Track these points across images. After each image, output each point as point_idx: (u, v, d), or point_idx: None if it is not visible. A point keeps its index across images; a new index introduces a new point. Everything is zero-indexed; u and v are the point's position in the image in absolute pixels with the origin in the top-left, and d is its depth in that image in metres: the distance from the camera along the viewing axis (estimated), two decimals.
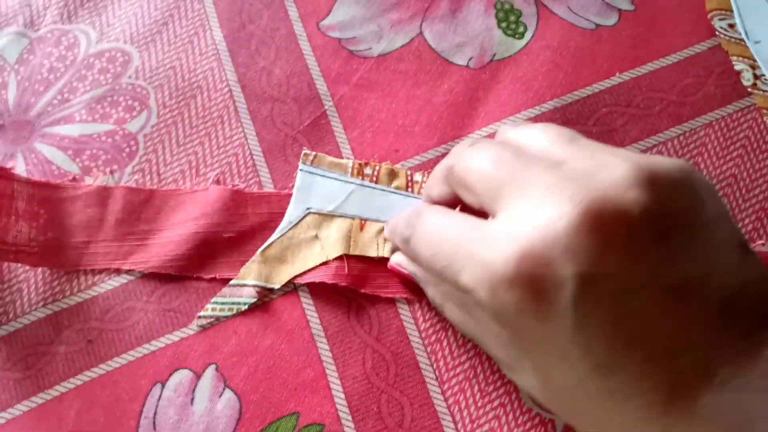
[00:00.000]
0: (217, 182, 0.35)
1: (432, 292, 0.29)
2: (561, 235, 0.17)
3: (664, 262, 0.17)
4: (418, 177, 0.34)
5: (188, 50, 0.37)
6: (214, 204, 0.34)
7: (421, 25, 0.38)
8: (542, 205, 0.18)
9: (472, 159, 0.22)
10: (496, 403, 0.31)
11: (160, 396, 0.31)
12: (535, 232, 0.17)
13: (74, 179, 0.35)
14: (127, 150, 0.36)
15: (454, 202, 0.25)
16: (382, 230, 0.33)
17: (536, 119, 0.36)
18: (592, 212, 0.17)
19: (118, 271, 0.33)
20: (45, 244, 0.34)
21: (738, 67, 0.37)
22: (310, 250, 0.33)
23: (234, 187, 0.35)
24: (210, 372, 0.31)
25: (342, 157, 0.35)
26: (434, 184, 0.25)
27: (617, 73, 0.37)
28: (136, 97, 0.36)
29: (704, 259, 0.17)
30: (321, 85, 0.37)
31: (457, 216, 0.22)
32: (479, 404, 0.31)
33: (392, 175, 0.34)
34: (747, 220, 0.34)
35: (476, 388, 0.31)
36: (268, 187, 0.35)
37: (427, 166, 0.35)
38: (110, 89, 0.37)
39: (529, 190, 0.19)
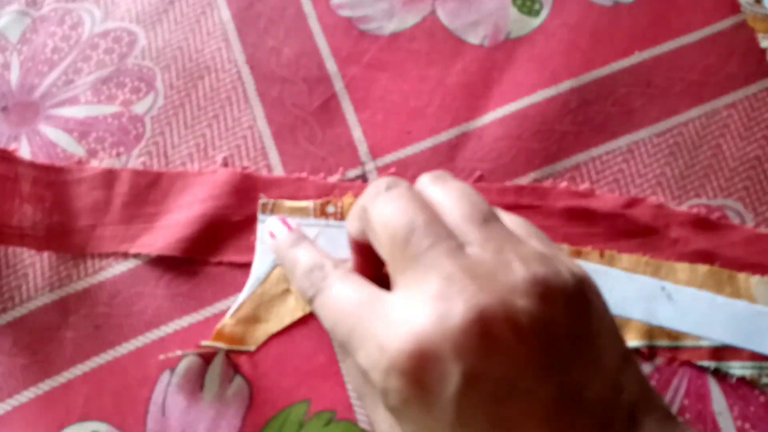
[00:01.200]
0: (225, 165, 0.34)
1: None
2: (453, 332, 0.17)
3: (547, 371, 0.17)
4: None
5: (195, 30, 0.36)
6: (223, 186, 0.33)
7: (433, 2, 0.37)
8: (440, 296, 0.18)
9: (384, 209, 0.21)
10: None
11: (169, 382, 0.31)
12: (429, 325, 0.18)
13: (80, 162, 0.34)
14: (134, 132, 0.35)
15: (364, 240, 0.23)
16: None
17: (552, 99, 0.35)
18: (484, 316, 0.17)
19: (125, 255, 0.33)
20: (50, 227, 0.33)
21: (764, 44, 0.36)
22: (284, 305, 0.32)
23: (243, 170, 0.34)
24: (220, 358, 0.31)
25: (353, 140, 0.34)
26: (352, 218, 0.24)
27: (636, 52, 0.36)
28: (142, 78, 0.36)
29: (586, 369, 0.18)
30: (331, 66, 0.36)
31: (360, 285, 0.21)
32: None
33: None
34: None
35: None
36: (278, 170, 0.34)
37: (440, 149, 0.34)
38: (116, 70, 0.36)
39: (430, 274, 0.19)
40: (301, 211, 0.33)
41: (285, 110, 0.35)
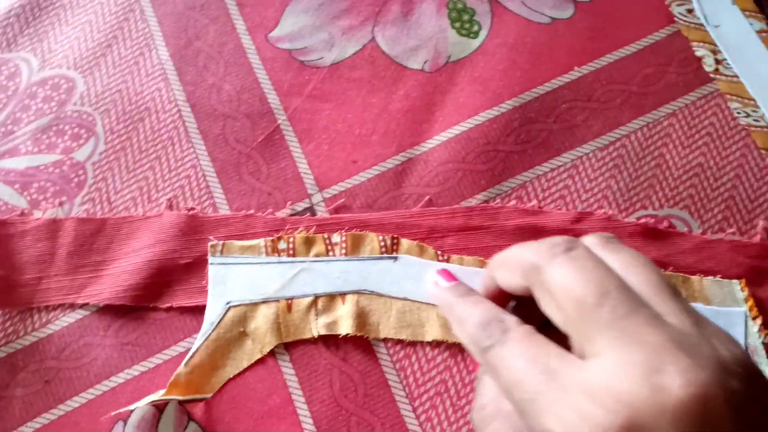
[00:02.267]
0: (170, 207, 0.34)
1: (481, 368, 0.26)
2: (672, 407, 0.17)
3: None
4: (336, 238, 0.32)
5: (134, 72, 0.36)
6: (169, 230, 0.33)
7: (372, 30, 0.37)
8: (651, 368, 0.17)
9: (569, 275, 0.20)
10: (469, 416, 0.30)
11: None
12: (643, 398, 0.17)
13: (22, 213, 0.34)
14: (76, 180, 0.34)
15: (517, 292, 0.23)
16: (311, 305, 0.31)
17: (495, 120, 0.35)
18: (706, 393, 0.17)
19: (72, 307, 0.32)
20: None
21: (699, 53, 0.36)
22: (240, 349, 0.31)
23: (189, 211, 0.33)
24: (172, 405, 0.30)
25: (299, 172, 0.34)
26: (505, 270, 0.23)
27: (576, 67, 0.36)
28: (82, 124, 0.35)
29: None
30: (273, 99, 0.35)
31: (548, 345, 0.20)
32: (452, 419, 0.30)
33: (309, 243, 0.32)
34: (716, 210, 0.33)
35: (448, 402, 0.30)
36: (224, 208, 0.34)
37: (387, 176, 0.34)
38: (55, 118, 0.35)
39: (632, 342, 0.18)
40: (252, 250, 0.32)
41: (228, 147, 0.35)
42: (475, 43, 0.37)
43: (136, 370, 0.31)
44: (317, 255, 0.32)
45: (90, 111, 0.35)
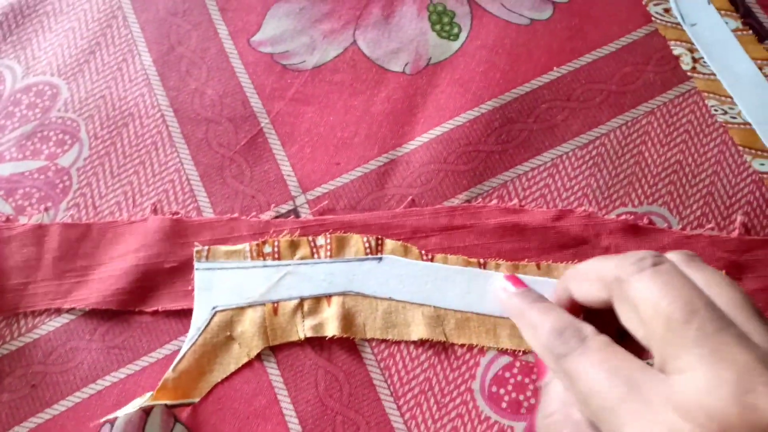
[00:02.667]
0: (155, 211, 0.34)
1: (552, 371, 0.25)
2: (763, 426, 0.17)
3: None
4: (321, 240, 0.33)
5: (117, 77, 0.36)
6: (154, 234, 0.33)
7: (354, 33, 0.37)
8: (742, 387, 0.18)
9: (656, 289, 0.20)
10: (453, 414, 0.30)
11: None
12: (734, 416, 0.17)
13: (7, 219, 0.34)
14: (61, 186, 0.34)
15: (594, 305, 0.23)
16: (297, 308, 0.32)
17: (476, 120, 0.35)
18: None
19: (58, 311, 0.32)
20: None
21: (676, 51, 0.37)
22: (227, 353, 0.31)
23: (173, 215, 0.34)
24: (158, 408, 0.31)
25: (282, 175, 0.34)
26: (583, 282, 0.23)
27: (555, 67, 0.36)
28: (66, 130, 0.35)
29: None
30: (256, 103, 0.36)
31: (628, 357, 0.21)
32: (436, 417, 0.30)
33: (294, 246, 0.33)
34: (695, 206, 0.34)
35: (432, 400, 0.31)
36: (207, 212, 0.34)
37: (370, 178, 0.34)
38: (39, 124, 0.36)
39: (722, 360, 0.18)
40: (237, 254, 0.33)
41: (211, 151, 0.35)
42: (456, 45, 0.37)
43: (122, 372, 0.31)
44: (302, 258, 0.33)
45: (74, 117, 0.36)
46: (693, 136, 0.35)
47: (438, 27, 0.37)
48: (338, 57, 0.37)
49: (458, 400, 0.31)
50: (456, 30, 0.37)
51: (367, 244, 0.33)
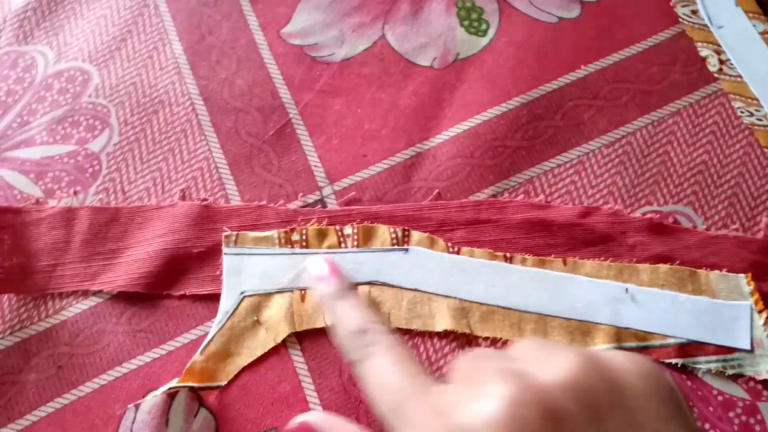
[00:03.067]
0: (183, 197, 0.34)
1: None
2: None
3: None
4: (348, 230, 0.33)
5: (148, 65, 0.37)
6: (182, 219, 0.33)
7: (383, 27, 0.38)
8: (485, 390, 0.18)
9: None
10: None
11: (134, 419, 0.30)
12: (471, 418, 0.18)
13: (37, 202, 0.34)
14: (90, 170, 0.35)
15: None
16: None
17: (503, 116, 0.35)
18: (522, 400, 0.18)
19: (86, 294, 0.33)
20: (10, 270, 0.33)
21: (703, 53, 0.37)
22: (254, 338, 0.32)
23: (202, 201, 0.34)
24: (183, 392, 0.31)
25: (310, 165, 0.35)
26: None
27: (582, 66, 0.36)
28: (96, 116, 0.36)
29: None
30: (284, 94, 0.36)
31: (407, 363, 0.21)
32: None
33: (322, 235, 0.33)
34: (720, 206, 0.34)
35: None
36: (235, 200, 0.34)
37: (396, 170, 0.35)
38: (70, 109, 0.36)
39: (482, 376, 0.19)
40: (266, 241, 0.33)
41: (240, 140, 0.35)
42: (484, 41, 0.37)
43: (148, 356, 0.32)
44: (330, 247, 0.33)
45: (105, 103, 0.36)
46: (719, 137, 0.35)
47: (466, 23, 0.37)
48: (367, 50, 0.37)
49: None
50: (484, 26, 0.37)
51: (393, 235, 0.33)
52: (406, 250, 0.33)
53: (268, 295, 0.32)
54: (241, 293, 0.32)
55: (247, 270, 0.32)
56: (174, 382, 0.30)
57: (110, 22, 0.38)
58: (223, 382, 0.31)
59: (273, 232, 0.33)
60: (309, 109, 0.36)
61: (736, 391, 0.30)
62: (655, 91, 0.36)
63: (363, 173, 0.35)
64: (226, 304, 0.32)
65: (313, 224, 0.33)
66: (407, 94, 0.36)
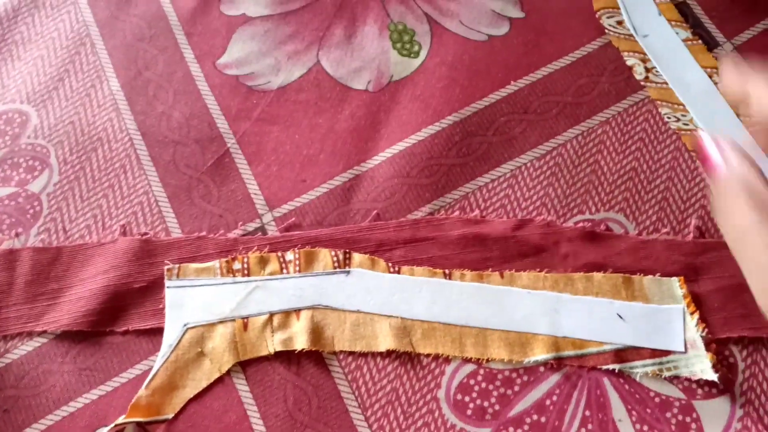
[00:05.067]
0: (124, 233, 0.34)
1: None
2: None
3: None
4: (290, 255, 0.33)
5: (86, 103, 0.37)
6: (123, 255, 0.34)
7: (317, 53, 0.38)
8: None
9: None
10: (419, 423, 0.31)
11: None
12: None
13: None
14: (31, 211, 0.35)
15: None
16: (267, 323, 0.32)
17: (437, 135, 0.36)
18: None
19: (30, 335, 0.33)
20: None
21: (630, 62, 0.38)
22: (199, 369, 0.32)
23: (142, 236, 0.34)
24: (131, 427, 0.31)
25: (249, 193, 0.35)
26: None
27: (512, 81, 0.37)
28: (36, 156, 0.36)
29: None
30: (222, 124, 0.37)
31: None
32: (403, 426, 0.31)
33: (263, 262, 0.33)
34: (651, 211, 0.35)
35: (399, 410, 0.31)
36: (176, 232, 0.35)
37: (335, 193, 0.35)
38: (9, 151, 0.36)
39: None
40: (207, 272, 0.33)
41: (179, 172, 0.36)
42: (416, 62, 0.38)
43: (94, 394, 0.32)
44: (272, 273, 0.33)
45: (44, 143, 0.36)
46: (647, 144, 0.36)
47: (399, 45, 0.38)
48: (303, 77, 0.38)
49: (424, 409, 0.31)
50: (416, 48, 0.38)
51: (335, 258, 0.33)
52: (348, 272, 0.33)
53: (211, 325, 0.32)
54: (184, 325, 0.32)
55: (189, 302, 0.33)
56: (121, 419, 0.31)
57: (47, 63, 0.38)
58: (170, 415, 0.31)
59: (214, 263, 0.33)
60: (247, 137, 0.36)
61: (672, 391, 0.31)
62: (584, 102, 0.37)
63: (303, 198, 0.35)
64: (169, 337, 0.32)
65: (254, 252, 0.34)
66: (344, 117, 0.37)
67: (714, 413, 0.30)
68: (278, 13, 0.39)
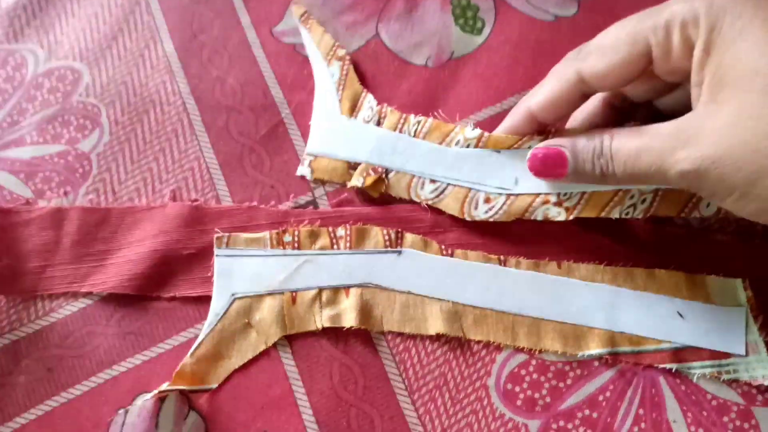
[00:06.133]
0: (174, 198, 0.34)
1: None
2: None
3: None
4: (341, 231, 0.33)
5: (139, 64, 0.36)
6: (173, 220, 0.33)
7: (377, 26, 0.37)
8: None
9: None
10: (467, 410, 0.30)
11: (123, 422, 0.30)
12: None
13: (27, 203, 0.34)
14: (81, 170, 0.35)
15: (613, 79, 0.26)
16: (315, 298, 0.32)
17: (497, 117, 0.35)
18: None
19: (75, 295, 0.33)
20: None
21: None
22: (245, 340, 0.31)
23: (192, 202, 0.34)
24: (174, 395, 0.31)
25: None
26: (602, 56, 0.26)
27: None
28: (87, 115, 0.35)
29: None
30: (277, 93, 0.36)
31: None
32: (450, 412, 0.30)
33: (314, 236, 0.33)
34: None
35: (447, 396, 0.30)
36: (226, 200, 0.34)
37: None
38: (61, 109, 0.36)
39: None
40: (258, 242, 0.33)
41: (231, 140, 0.35)
42: (479, 39, 0.37)
43: (138, 359, 0.31)
44: (322, 248, 0.33)
45: (95, 102, 0.36)
46: None
47: (461, 21, 0.37)
48: (360, 49, 0.37)
49: (473, 396, 0.30)
50: (480, 24, 0.37)
51: (386, 237, 0.33)
52: (399, 252, 0.33)
53: (259, 297, 0.32)
54: (232, 295, 0.32)
55: (238, 272, 0.32)
56: (164, 386, 0.30)
57: (101, 20, 0.37)
58: (214, 385, 0.31)
59: (265, 234, 0.33)
60: (301, 108, 0.35)
61: (731, 395, 0.30)
62: None
63: None
64: (216, 306, 0.32)
65: (305, 225, 0.33)
66: (401, 93, 0.36)
67: None
68: None
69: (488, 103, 0.35)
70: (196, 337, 0.31)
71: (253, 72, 0.36)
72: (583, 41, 0.37)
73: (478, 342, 0.31)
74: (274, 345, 0.31)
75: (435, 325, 0.31)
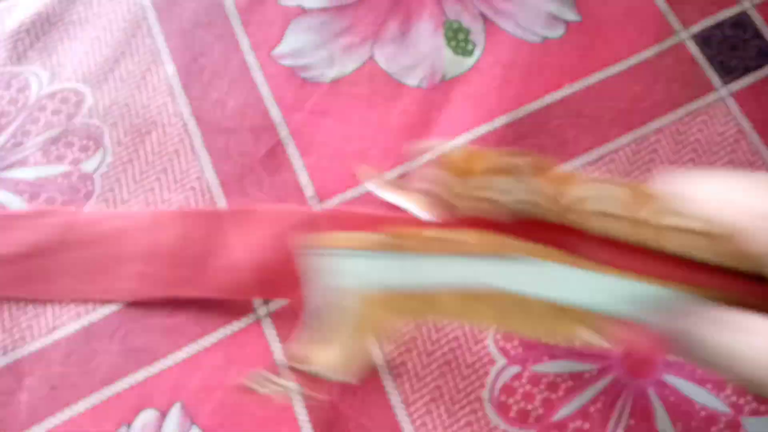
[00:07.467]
0: None
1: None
2: None
3: None
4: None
5: (141, 86, 0.37)
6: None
7: (372, 48, 0.38)
8: None
9: None
10: (462, 422, 0.31)
11: None
12: None
13: None
14: (84, 191, 0.35)
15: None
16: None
17: (489, 135, 0.36)
18: None
19: (78, 313, 0.33)
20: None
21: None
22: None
23: None
24: (176, 410, 0.31)
25: (300, 184, 0.35)
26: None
27: (566, 85, 0.37)
28: (90, 136, 0.36)
29: None
30: (276, 114, 0.37)
31: None
32: (446, 424, 0.31)
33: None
34: None
35: (443, 408, 0.31)
36: None
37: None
38: (64, 130, 0.37)
39: None
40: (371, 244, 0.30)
41: (232, 160, 0.36)
42: (470, 61, 0.38)
43: (140, 374, 0.32)
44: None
45: (98, 123, 0.37)
46: (700, 155, 0.36)
47: (453, 43, 0.38)
48: (356, 71, 0.38)
49: (467, 409, 0.31)
50: (470, 47, 0.38)
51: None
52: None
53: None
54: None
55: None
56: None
57: (104, 43, 0.38)
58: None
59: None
60: (299, 128, 0.36)
61: (719, 405, 0.31)
62: (638, 109, 0.37)
63: (352, 192, 0.35)
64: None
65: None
66: (396, 114, 0.37)
67: (763, 430, 0.30)
68: (334, 6, 0.39)
69: (479, 122, 0.36)
70: (199, 352, 0.32)
71: (252, 94, 0.37)
72: (569, 62, 0.38)
73: (472, 354, 0.32)
74: (274, 359, 0.32)
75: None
